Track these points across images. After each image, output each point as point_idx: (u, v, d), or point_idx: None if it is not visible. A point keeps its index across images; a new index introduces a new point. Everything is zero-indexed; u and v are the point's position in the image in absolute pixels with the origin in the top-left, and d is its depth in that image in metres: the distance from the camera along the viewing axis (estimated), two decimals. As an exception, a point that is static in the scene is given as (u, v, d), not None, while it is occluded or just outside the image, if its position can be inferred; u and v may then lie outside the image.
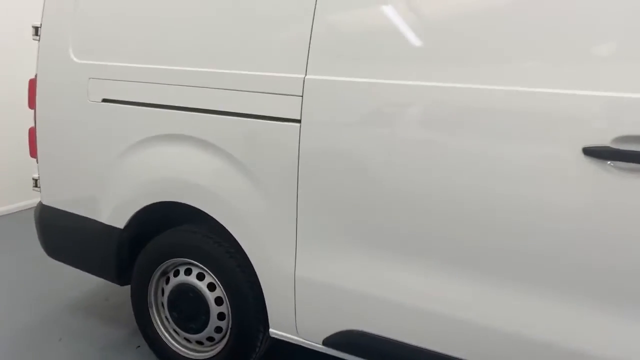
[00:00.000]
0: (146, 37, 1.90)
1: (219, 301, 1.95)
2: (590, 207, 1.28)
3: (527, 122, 1.31)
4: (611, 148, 1.23)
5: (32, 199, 4.47)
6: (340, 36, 1.55)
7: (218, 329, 1.98)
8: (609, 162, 1.24)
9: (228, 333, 1.96)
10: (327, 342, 1.73)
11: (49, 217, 2.31)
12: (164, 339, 2.12)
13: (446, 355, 1.52)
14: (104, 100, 2.02)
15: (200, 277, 1.98)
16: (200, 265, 1.95)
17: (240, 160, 1.74)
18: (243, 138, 1.73)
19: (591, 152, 1.25)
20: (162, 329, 2.13)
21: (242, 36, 1.71)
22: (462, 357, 1.50)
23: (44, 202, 2.32)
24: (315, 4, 1.59)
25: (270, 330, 1.85)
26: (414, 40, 1.46)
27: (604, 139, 1.24)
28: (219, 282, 1.92)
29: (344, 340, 1.68)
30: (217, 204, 1.82)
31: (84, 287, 2.95)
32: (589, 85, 1.25)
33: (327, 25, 1.57)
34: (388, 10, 1.50)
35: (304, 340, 1.80)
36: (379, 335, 1.62)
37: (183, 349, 2.10)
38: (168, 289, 2.05)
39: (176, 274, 2.03)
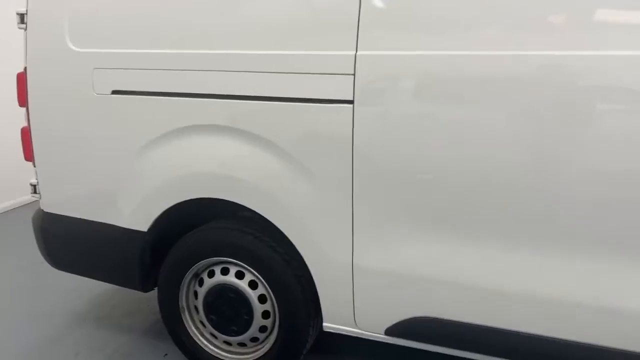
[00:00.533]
0: (167, 17, 1.70)
1: (262, 299, 1.83)
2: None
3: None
4: None
5: (18, 199, 4.19)
6: (391, 5, 1.44)
7: (263, 329, 1.87)
8: None
9: (275, 331, 1.85)
10: (390, 331, 1.65)
11: (53, 225, 2.09)
12: (201, 344, 1.99)
13: (518, 332, 1.48)
14: (115, 92, 1.82)
15: (240, 275, 1.85)
16: (240, 263, 1.82)
17: (286, 149, 1.61)
18: (289, 124, 1.59)
19: None
20: (198, 334, 2.00)
21: (279, 11, 1.56)
22: (539, 333, 1.46)
23: (46, 209, 2.11)
24: None
25: (325, 324, 1.76)
26: (471, 6, 1.37)
27: None
28: (262, 279, 1.80)
29: (408, 328, 1.62)
30: (260, 197, 1.68)
31: (87, 295, 2.74)
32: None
33: None
34: None
35: (363, 332, 1.72)
36: (447, 320, 1.56)
37: (223, 353, 1.98)
38: (203, 291, 1.91)
39: (211, 274, 1.89)
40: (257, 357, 1.90)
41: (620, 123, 1.26)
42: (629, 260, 1.33)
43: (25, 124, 2.06)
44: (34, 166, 2.07)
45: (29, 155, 2.08)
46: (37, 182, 2.09)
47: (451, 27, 1.39)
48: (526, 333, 1.47)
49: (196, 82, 1.68)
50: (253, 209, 1.70)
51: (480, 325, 1.52)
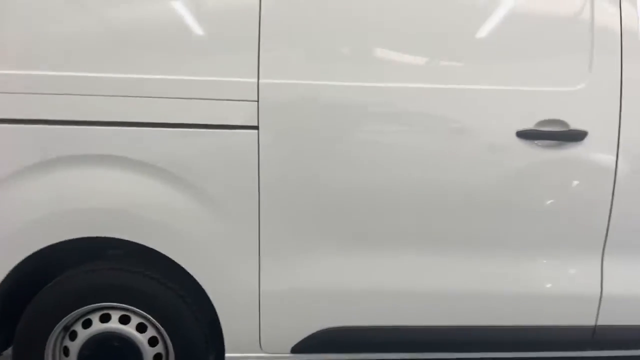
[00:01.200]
0: (46, 34, 1.49)
1: (152, 342, 1.68)
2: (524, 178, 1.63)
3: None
4: (536, 130, 1.58)
5: None
6: (291, 35, 1.55)
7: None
8: (535, 142, 1.59)
9: (169, 374, 1.71)
10: (296, 348, 1.70)
11: None
12: (73, 408, 1.71)
13: (422, 327, 1.69)
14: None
15: (124, 320, 1.67)
16: (125, 306, 1.64)
17: (186, 178, 1.55)
18: (188, 152, 1.54)
19: (523, 135, 1.58)
20: (69, 397, 1.71)
21: (181, 34, 1.52)
22: (440, 324, 1.70)
23: None
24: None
25: (227, 355, 1.70)
26: (364, 39, 1.57)
27: (527, 123, 1.59)
28: (153, 320, 1.65)
29: (316, 341, 1.69)
30: (155, 231, 1.58)
31: None
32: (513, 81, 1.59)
33: (275, 22, 1.53)
34: (338, 5, 1.56)
35: (268, 355, 1.72)
36: (354, 326, 1.68)
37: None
38: (77, 345, 1.65)
39: (86, 325, 1.66)
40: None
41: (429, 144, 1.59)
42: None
43: None
44: None
45: None
46: None
47: (339, 59, 1.57)
48: (424, 326, 1.69)
49: (72, 108, 1.50)
50: (150, 246, 1.57)
51: (383, 326, 1.68)
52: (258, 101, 1.53)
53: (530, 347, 1.80)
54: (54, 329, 1.64)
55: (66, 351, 1.68)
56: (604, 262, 1.71)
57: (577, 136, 1.59)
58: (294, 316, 1.67)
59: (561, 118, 1.59)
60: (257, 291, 1.63)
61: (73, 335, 1.66)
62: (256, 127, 1.54)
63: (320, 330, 1.68)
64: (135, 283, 1.62)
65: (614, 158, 1.62)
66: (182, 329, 1.66)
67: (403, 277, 1.66)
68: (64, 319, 1.63)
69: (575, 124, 1.59)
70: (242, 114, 1.54)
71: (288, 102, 1.55)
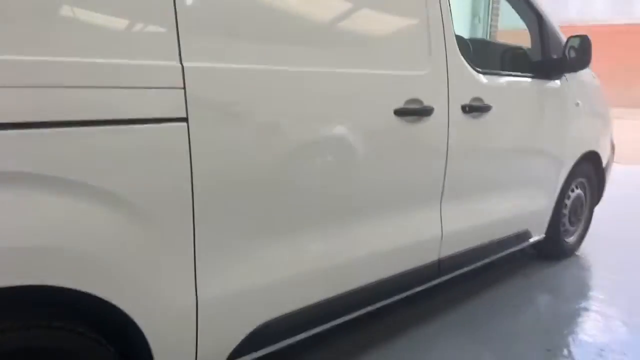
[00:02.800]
0: None
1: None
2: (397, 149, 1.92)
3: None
4: (406, 108, 1.88)
5: None
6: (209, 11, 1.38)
7: None
8: (405, 118, 1.89)
9: None
10: (233, 355, 1.58)
11: None
12: None
13: (334, 296, 1.81)
14: None
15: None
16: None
17: (101, 187, 1.22)
18: (102, 155, 1.21)
19: (398, 113, 1.86)
20: None
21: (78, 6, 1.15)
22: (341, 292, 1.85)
23: None
24: None
25: (161, 386, 1.45)
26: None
27: (399, 102, 1.87)
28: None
29: (253, 340, 1.61)
30: (73, 267, 1.19)
31: None
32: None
33: None
34: None
35: (203, 370, 1.54)
36: (282, 314, 1.68)
37: None
38: None
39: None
40: None
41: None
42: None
43: None
44: None
45: None
46: None
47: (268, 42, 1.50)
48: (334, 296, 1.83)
49: None
50: (50, 284, 1.17)
51: (308, 305, 1.73)
52: (185, 88, 1.32)
53: (392, 294, 2.14)
54: None
55: None
56: (442, 209, 2.19)
57: (429, 111, 1.97)
58: (231, 321, 1.55)
59: (418, 97, 1.93)
60: (195, 301, 1.44)
61: None
62: (185, 119, 1.33)
63: (256, 328, 1.61)
64: (40, 341, 1.19)
65: (447, 129, 2.08)
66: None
67: (326, 254, 1.75)
68: None
69: (426, 102, 1.96)
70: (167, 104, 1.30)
71: (215, 89, 1.39)
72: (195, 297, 1.44)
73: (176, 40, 1.31)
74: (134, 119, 1.25)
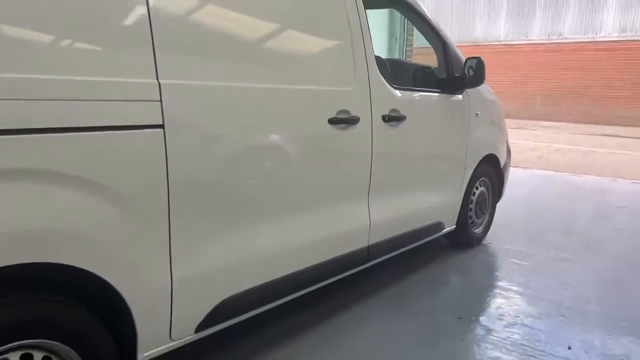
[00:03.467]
0: None
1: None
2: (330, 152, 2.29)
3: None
4: (338, 117, 2.27)
5: None
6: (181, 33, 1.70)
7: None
8: (336, 126, 2.28)
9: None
10: (199, 327, 1.86)
11: None
12: None
13: (282, 277, 2.15)
14: None
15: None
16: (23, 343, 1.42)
17: (96, 181, 1.48)
18: (94, 154, 1.48)
19: (331, 121, 2.24)
20: None
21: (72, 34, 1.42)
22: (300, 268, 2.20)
23: None
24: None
25: (141, 355, 1.70)
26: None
27: (332, 113, 2.26)
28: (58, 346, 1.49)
29: (216, 314, 1.90)
30: (72, 246, 1.44)
31: None
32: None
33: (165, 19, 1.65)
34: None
35: (175, 343, 1.81)
36: (243, 290, 1.98)
37: None
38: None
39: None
40: None
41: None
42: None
43: None
44: None
45: None
46: None
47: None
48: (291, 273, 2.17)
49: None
50: (66, 263, 1.42)
51: (265, 282, 2.05)
52: (161, 101, 1.62)
53: (332, 275, 2.50)
54: None
55: None
56: (370, 203, 2.58)
57: (356, 120, 2.37)
58: (199, 298, 1.83)
59: (346, 108, 2.33)
60: (170, 282, 1.71)
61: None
62: (162, 126, 1.62)
63: (218, 304, 1.90)
64: (43, 313, 1.43)
65: (371, 135, 2.49)
66: (94, 349, 1.56)
67: (275, 240, 2.08)
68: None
69: (353, 112, 2.36)
70: (147, 113, 1.59)
71: (185, 102, 1.70)
72: (170, 275, 1.71)
73: (154, 63, 1.60)
74: (121, 126, 1.53)
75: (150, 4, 1.60)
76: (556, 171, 7.42)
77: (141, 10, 1.58)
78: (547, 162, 8.36)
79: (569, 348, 2.39)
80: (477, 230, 3.83)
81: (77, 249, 1.46)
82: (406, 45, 8.35)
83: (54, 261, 1.41)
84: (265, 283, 2.08)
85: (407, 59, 7.96)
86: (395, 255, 2.98)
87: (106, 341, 1.60)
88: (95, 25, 1.48)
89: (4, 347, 1.36)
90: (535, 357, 2.31)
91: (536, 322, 2.65)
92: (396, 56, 8.15)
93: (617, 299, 2.94)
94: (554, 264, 3.50)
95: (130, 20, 1.57)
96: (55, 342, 1.46)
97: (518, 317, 2.71)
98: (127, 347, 1.69)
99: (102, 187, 1.50)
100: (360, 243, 2.58)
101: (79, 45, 1.45)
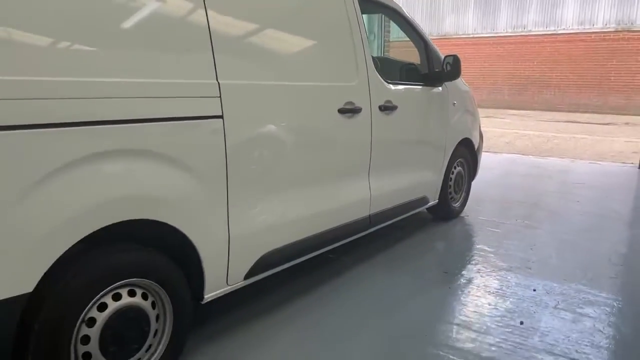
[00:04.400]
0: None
1: (153, 305, 1.98)
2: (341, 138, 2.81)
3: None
4: (345, 107, 2.78)
5: None
6: (236, 45, 2.19)
7: (155, 333, 2.00)
8: (344, 114, 2.78)
9: (166, 330, 2.03)
10: (247, 275, 2.35)
11: None
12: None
13: (308, 236, 2.65)
14: None
15: (131, 294, 1.90)
16: (128, 282, 1.89)
17: (177, 158, 1.96)
18: (176, 138, 1.96)
19: (340, 111, 2.75)
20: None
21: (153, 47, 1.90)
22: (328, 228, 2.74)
23: None
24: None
25: (206, 297, 2.18)
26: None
27: (341, 104, 2.76)
28: (153, 285, 1.96)
29: (258, 265, 2.39)
30: (163, 206, 1.92)
31: None
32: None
33: (225, 28, 2.13)
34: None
35: (230, 288, 2.30)
36: (282, 246, 2.48)
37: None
38: (96, 329, 1.78)
39: (102, 308, 1.80)
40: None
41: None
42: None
43: None
44: None
45: None
46: None
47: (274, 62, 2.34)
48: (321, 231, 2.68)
49: (84, 110, 1.68)
50: (160, 220, 1.90)
51: (295, 241, 2.56)
52: (220, 97, 2.10)
53: (342, 238, 3.01)
54: (77, 321, 1.73)
55: (85, 340, 1.77)
56: (370, 179, 3.11)
57: (359, 110, 2.88)
58: (247, 251, 2.32)
59: (352, 100, 2.84)
60: (227, 238, 2.20)
61: (91, 322, 1.78)
62: (221, 116, 2.10)
63: (260, 257, 2.39)
64: (144, 258, 1.90)
65: (370, 122, 3.00)
66: (177, 288, 2.04)
67: (300, 207, 2.59)
68: (85, 308, 1.75)
69: (357, 103, 2.87)
70: (211, 107, 2.07)
71: (238, 97, 2.18)
72: (228, 232, 2.20)
73: (214, 67, 2.08)
74: (193, 116, 2.01)
75: (211, 22, 2.07)
76: (523, 155, 8.12)
77: (202, 23, 2.05)
78: (515, 147, 9.06)
79: (534, 290, 2.97)
80: (456, 205, 4.40)
81: (165, 209, 1.94)
82: (383, 40, 8.91)
83: (151, 218, 1.88)
84: (295, 241, 2.59)
85: (394, 57, 8.51)
86: (388, 226, 3.52)
87: (184, 284, 2.08)
88: (178, 41, 1.97)
89: (119, 282, 1.83)
90: (507, 296, 2.89)
91: (508, 273, 3.23)
92: (375, 50, 8.70)
93: (572, 255, 3.56)
94: (521, 231, 4.11)
95: (195, 33, 2.04)
96: (152, 282, 1.94)
97: (493, 270, 3.28)
98: (195, 290, 2.17)
99: (180, 163, 1.97)
100: (364, 212, 3.11)
101: (167, 56, 1.93)
